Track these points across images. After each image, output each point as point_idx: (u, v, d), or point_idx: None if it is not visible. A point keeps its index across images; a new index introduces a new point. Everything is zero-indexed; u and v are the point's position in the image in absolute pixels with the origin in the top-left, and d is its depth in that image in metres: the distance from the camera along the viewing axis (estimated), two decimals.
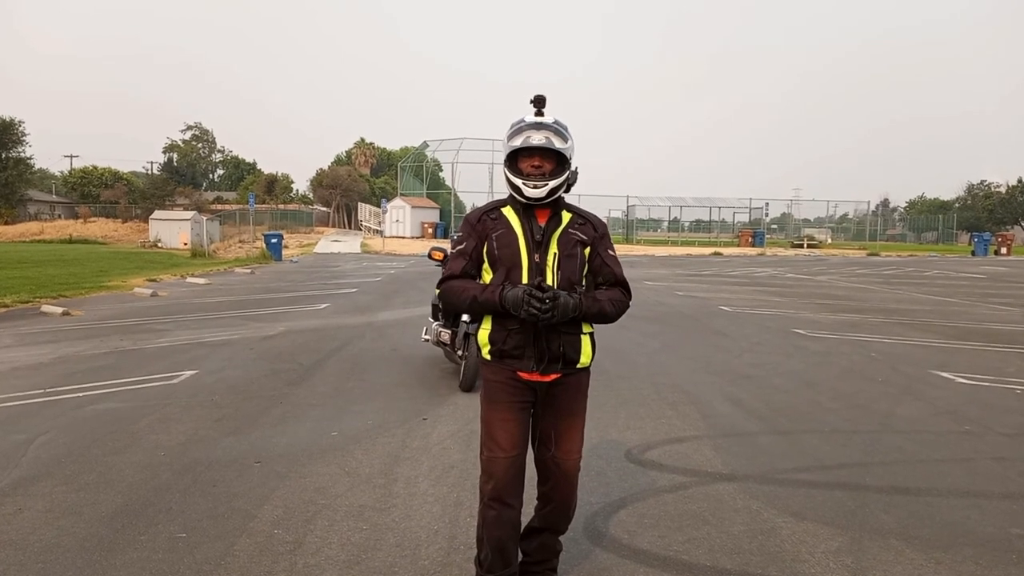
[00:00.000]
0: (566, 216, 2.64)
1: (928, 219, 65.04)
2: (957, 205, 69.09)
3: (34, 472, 4.06)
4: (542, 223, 2.59)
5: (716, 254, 37.17)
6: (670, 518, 3.51)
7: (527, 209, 2.59)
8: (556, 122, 2.55)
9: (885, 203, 79.72)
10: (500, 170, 2.63)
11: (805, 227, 54.77)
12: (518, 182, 2.53)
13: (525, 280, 2.53)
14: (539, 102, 2.56)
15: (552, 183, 2.51)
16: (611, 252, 2.69)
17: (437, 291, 2.66)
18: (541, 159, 2.52)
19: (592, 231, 2.65)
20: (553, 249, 2.56)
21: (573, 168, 2.61)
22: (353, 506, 3.61)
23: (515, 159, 2.56)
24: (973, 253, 40.30)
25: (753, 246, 44.47)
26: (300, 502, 3.66)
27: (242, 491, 3.79)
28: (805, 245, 45.81)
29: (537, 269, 2.53)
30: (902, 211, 79.45)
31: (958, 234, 60.93)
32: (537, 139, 2.50)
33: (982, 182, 69.90)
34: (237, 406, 5.54)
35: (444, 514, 3.52)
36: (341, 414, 5.36)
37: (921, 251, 44.61)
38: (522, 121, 2.56)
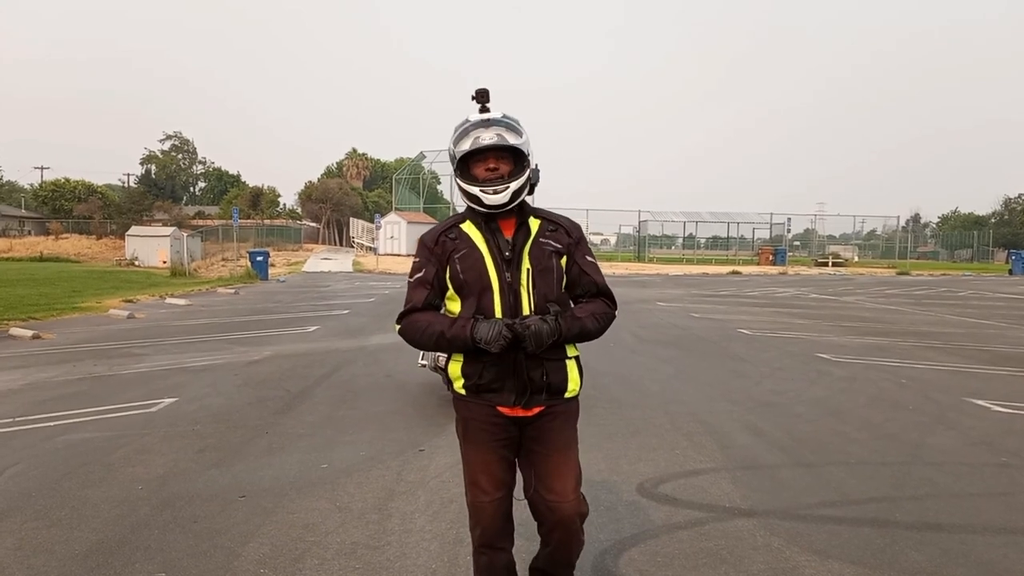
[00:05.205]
0: (535, 224, 2.50)
1: (962, 235, 65.18)
2: (993, 220, 69.27)
3: (2, 507, 4.08)
4: (509, 236, 2.47)
5: (734, 273, 37.22)
6: (685, 556, 3.52)
7: (489, 221, 2.47)
8: (505, 116, 2.43)
9: (916, 218, 79.90)
10: None
11: (830, 244, 54.85)
12: (474, 190, 2.40)
13: (498, 303, 2.41)
14: (481, 96, 2.43)
15: (514, 185, 2.39)
16: (589, 258, 2.55)
17: (396, 327, 2.55)
18: (496, 160, 2.40)
19: (566, 237, 2.51)
20: (526, 265, 2.44)
21: (533, 166, 2.49)
22: (345, 543, 3.62)
23: (466, 165, 2.43)
24: (1011, 272, 40.27)
25: (774, 264, 44.51)
26: (288, 539, 3.67)
27: (225, 527, 3.81)
28: (830, 263, 45.86)
29: (510, 290, 2.42)
30: (934, 227, 79.68)
31: (994, 251, 61.01)
32: (487, 138, 2.37)
33: (1020, 195, 70.14)
34: (220, 436, 5.56)
35: (442, 552, 3.54)
36: (332, 445, 5.38)
37: (954, 270, 44.62)
38: (466, 121, 2.43)
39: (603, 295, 2.55)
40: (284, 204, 65.13)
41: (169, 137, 77.78)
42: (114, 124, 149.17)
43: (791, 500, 4.31)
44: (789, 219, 48.11)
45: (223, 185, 74.36)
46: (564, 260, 2.50)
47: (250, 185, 64.85)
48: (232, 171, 77.96)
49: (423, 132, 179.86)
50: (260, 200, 57.45)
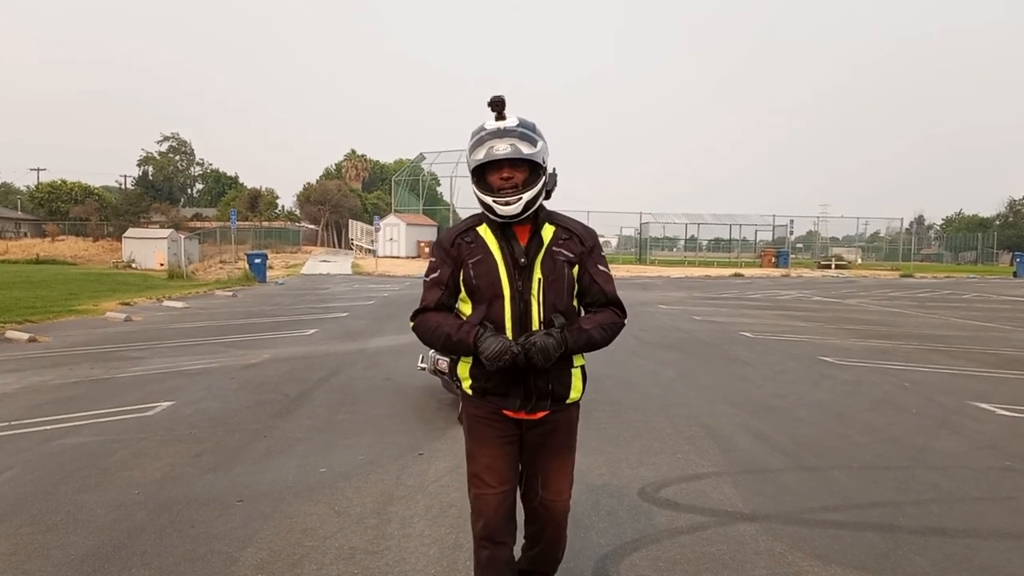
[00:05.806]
0: (548, 231, 2.53)
1: (966, 237, 65.18)
2: (998, 222, 69.21)
3: None
4: (523, 243, 2.51)
5: (737, 275, 37.24)
6: (687, 561, 3.52)
7: (504, 227, 2.51)
8: (521, 124, 2.44)
9: (920, 220, 79.86)
10: None
11: (833, 246, 54.96)
12: (488, 200, 2.44)
13: (508, 311, 2.46)
14: (497, 105, 2.43)
15: (527, 195, 2.41)
16: (601, 267, 2.59)
17: (411, 324, 2.62)
18: (510, 170, 2.42)
19: (579, 245, 2.55)
20: (537, 275, 2.47)
21: (550, 171, 2.53)
22: (343, 548, 3.63)
23: (482, 174, 2.46)
24: (1015, 274, 40.30)
25: (777, 267, 44.55)
26: (286, 544, 3.67)
27: (223, 532, 3.81)
28: (833, 266, 45.92)
29: (520, 299, 2.46)
30: (938, 229, 79.72)
31: (999, 254, 61.01)
32: (501, 149, 2.40)
33: None
34: (217, 440, 5.56)
35: (442, 557, 3.54)
36: (330, 449, 5.38)
37: (958, 272, 44.64)
38: (482, 129, 2.45)
39: (612, 304, 2.59)
40: (282, 206, 65.24)
41: (167, 138, 77.97)
42: (111, 125, 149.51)
43: (793, 504, 4.31)
44: (792, 221, 48.09)
45: (221, 187, 74.41)
46: (576, 269, 2.54)
47: (248, 187, 64.93)
48: (230, 173, 78.11)
49: (422, 133, 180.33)
50: (258, 202, 57.51)
